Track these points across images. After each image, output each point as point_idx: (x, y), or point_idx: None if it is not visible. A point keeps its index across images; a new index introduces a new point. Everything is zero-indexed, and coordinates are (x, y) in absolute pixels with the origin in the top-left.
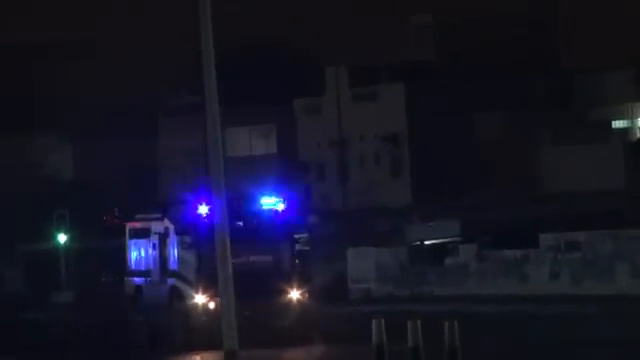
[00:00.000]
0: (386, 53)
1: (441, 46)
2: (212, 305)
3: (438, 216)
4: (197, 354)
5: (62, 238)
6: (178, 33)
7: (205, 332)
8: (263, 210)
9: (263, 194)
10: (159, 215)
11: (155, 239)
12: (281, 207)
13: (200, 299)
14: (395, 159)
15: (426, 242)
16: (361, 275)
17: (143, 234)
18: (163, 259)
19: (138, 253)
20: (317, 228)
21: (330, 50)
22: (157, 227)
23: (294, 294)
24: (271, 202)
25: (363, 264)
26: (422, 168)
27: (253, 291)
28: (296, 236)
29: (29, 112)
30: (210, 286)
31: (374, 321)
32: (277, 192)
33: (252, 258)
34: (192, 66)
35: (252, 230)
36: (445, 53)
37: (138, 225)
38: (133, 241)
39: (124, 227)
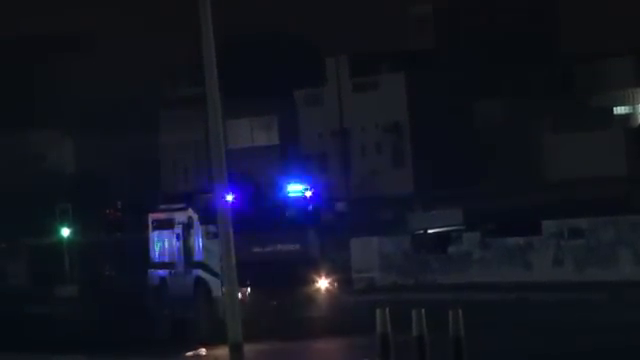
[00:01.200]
0: (386, 43)
1: (441, 35)
2: (239, 296)
3: (441, 205)
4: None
5: (65, 232)
6: (177, 25)
7: None
8: (290, 197)
9: (290, 181)
10: (183, 205)
11: (179, 229)
12: (308, 194)
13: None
14: (396, 149)
15: (429, 231)
16: (364, 265)
17: (166, 225)
18: (187, 250)
19: (162, 244)
20: (345, 215)
21: (330, 40)
22: (181, 217)
23: (322, 283)
24: (298, 189)
25: (366, 254)
26: (424, 157)
27: (280, 280)
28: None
29: (30, 106)
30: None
31: (378, 310)
32: (304, 179)
33: (279, 247)
34: (192, 58)
35: (279, 218)
36: (445, 42)
37: (161, 216)
38: (156, 232)
39: (146, 218)
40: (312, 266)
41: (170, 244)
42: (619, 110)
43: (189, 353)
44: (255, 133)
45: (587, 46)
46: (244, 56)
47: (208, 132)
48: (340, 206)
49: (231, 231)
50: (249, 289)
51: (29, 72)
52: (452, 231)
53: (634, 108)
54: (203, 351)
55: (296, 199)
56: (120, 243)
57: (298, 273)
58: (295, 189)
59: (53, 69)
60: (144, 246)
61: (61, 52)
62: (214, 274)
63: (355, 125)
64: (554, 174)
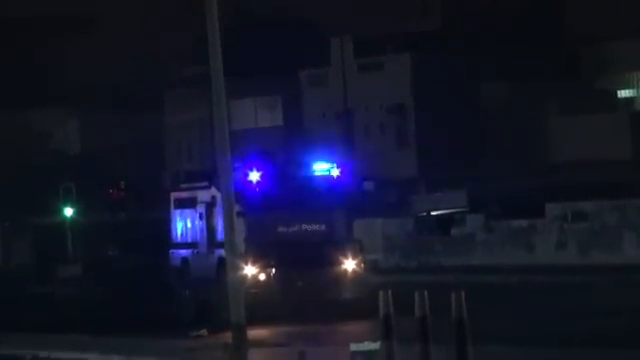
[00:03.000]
0: (392, 24)
1: (447, 16)
2: (263, 277)
3: (444, 187)
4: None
5: (68, 211)
6: (181, 5)
7: (255, 306)
8: (316, 176)
9: (316, 159)
10: (206, 183)
11: (202, 209)
12: (336, 173)
13: (250, 271)
14: (401, 130)
15: (433, 213)
16: (368, 246)
17: (189, 204)
18: (210, 229)
19: (184, 224)
20: (374, 195)
21: (335, 21)
22: (204, 196)
23: (349, 264)
24: (324, 168)
25: (370, 235)
26: (428, 139)
27: (306, 261)
28: None
29: (35, 85)
30: (260, 257)
31: (381, 292)
32: (331, 157)
33: (304, 227)
34: (196, 38)
35: (304, 197)
36: (451, 23)
37: (183, 194)
38: (178, 211)
39: (169, 197)
40: (338, 247)
41: (192, 223)
42: (623, 93)
43: (192, 334)
44: (259, 114)
45: (592, 28)
46: (248, 36)
47: (212, 113)
48: (368, 185)
49: (235, 210)
50: (274, 270)
51: (33, 51)
52: (455, 213)
53: (638, 91)
54: (205, 332)
55: (323, 178)
56: (124, 223)
57: (324, 254)
58: (321, 168)
59: (57, 48)
60: (148, 226)
61: (64, 31)
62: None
63: (359, 106)
64: (558, 157)
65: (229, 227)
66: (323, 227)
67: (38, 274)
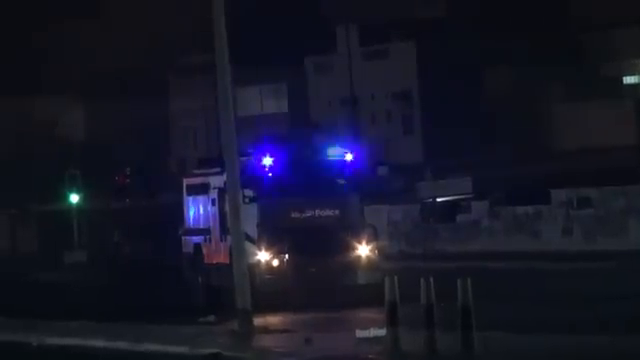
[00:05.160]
0: (397, 11)
1: (452, 3)
2: (276, 263)
3: (450, 173)
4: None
5: (74, 198)
6: None
7: (267, 292)
8: (330, 161)
9: (330, 144)
10: (219, 169)
11: (214, 194)
12: (349, 158)
13: (263, 256)
14: (406, 117)
15: (438, 199)
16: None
17: (202, 189)
18: (223, 215)
19: (196, 209)
20: (388, 181)
21: (341, 8)
22: (217, 182)
23: (362, 250)
24: (338, 153)
25: (375, 222)
26: (433, 125)
27: (319, 247)
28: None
29: (41, 73)
30: (274, 243)
31: (386, 279)
32: (344, 142)
33: (318, 212)
34: (203, 25)
35: (318, 182)
36: (455, 10)
37: (196, 180)
38: (191, 197)
39: (181, 182)
40: (352, 232)
41: (205, 209)
42: (629, 80)
43: (200, 320)
44: (264, 101)
45: (597, 14)
46: (254, 24)
47: (217, 100)
48: (382, 170)
49: (240, 198)
50: (287, 256)
51: (39, 38)
52: (461, 200)
53: None
54: (212, 318)
55: (336, 163)
56: (129, 209)
57: (337, 240)
58: (334, 152)
59: (63, 35)
60: (154, 212)
61: (72, 18)
62: (251, 240)
63: (365, 93)
64: (563, 143)
65: (234, 214)
66: (337, 212)
67: (44, 261)
